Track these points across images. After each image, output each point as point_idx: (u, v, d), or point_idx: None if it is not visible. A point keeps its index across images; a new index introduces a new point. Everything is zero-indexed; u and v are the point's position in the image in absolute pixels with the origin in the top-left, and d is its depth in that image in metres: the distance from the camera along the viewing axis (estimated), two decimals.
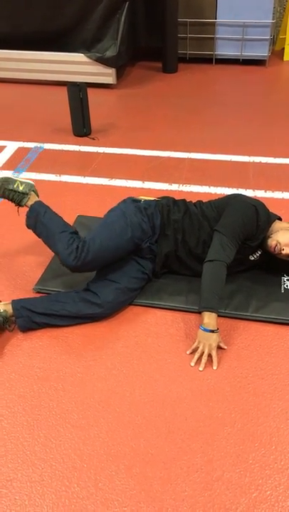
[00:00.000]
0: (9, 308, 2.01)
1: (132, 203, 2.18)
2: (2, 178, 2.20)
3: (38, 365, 1.90)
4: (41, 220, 2.13)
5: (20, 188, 2.17)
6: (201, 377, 1.85)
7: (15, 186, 2.18)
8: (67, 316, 2.03)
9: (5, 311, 2.00)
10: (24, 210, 2.23)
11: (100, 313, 2.05)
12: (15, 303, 2.02)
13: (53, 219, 2.15)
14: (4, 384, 1.84)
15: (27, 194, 2.19)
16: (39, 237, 2.17)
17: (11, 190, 2.18)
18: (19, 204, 2.21)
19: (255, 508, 1.45)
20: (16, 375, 1.87)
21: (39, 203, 2.19)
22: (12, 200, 2.20)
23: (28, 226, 2.19)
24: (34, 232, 2.19)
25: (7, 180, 2.19)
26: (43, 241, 2.16)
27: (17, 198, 2.19)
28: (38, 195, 2.25)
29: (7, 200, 2.23)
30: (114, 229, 2.06)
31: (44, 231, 2.13)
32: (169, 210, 2.16)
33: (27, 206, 2.20)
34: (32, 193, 2.21)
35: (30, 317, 2.01)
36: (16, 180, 2.20)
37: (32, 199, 2.20)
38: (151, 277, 2.21)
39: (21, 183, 2.20)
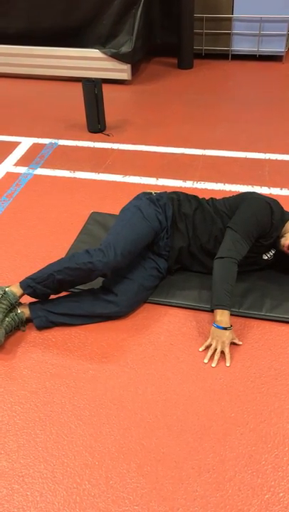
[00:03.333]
0: (26, 310, 2.02)
1: (143, 196, 2.19)
2: None
3: (50, 362, 1.91)
4: (43, 278, 1.96)
5: None
6: (214, 376, 1.83)
7: None
8: (84, 315, 2.03)
9: (22, 312, 2.00)
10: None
11: (116, 312, 2.04)
12: (32, 304, 2.04)
13: (53, 264, 1.98)
14: (17, 380, 1.84)
15: (5, 292, 1.96)
16: (57, 288, 2.00)
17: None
18: (16, 301, 1.98)
19: (268, 510, 1.44)
20: (29, 371, 1.88)
21: (23, 280, 1.99)
22: (10, 306, 1.96)
23: (40, 295, 2.00)
24: (53, 291, 2.01)
25: None
26: (61, 286, 2.00)
27: (7, 301, 1.94)
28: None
29: (9, 308, 1.97)
30: (134, 223, 2.05)
31: (56, 277, 1.94)
32: (180, 204, 2.16)
33: (20, 294, 1.98)
34: (4, 288, 1.98)
35: (46, 317, 2.01)
36: None
37: (13, 287, 1.99)
38: (165, 276, 2.21)
39: None
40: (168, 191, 2.27)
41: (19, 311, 2.00)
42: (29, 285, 1.98)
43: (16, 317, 1.97)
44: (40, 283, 1.97)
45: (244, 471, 1.54)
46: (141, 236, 2.05)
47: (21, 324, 2.02)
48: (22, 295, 2.00)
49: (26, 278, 2.00)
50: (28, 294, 2.00)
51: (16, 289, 1.99)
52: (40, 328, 2.03)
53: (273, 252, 2.16)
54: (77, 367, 1.89)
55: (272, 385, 1.79)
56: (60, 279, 1.96)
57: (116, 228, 2.07)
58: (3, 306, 1.93)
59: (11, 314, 1.97)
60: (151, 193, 2.21)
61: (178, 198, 2.19)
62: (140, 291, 2.08)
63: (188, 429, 1.66)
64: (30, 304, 2.03)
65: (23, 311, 2.01)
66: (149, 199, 2.16)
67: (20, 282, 2.00)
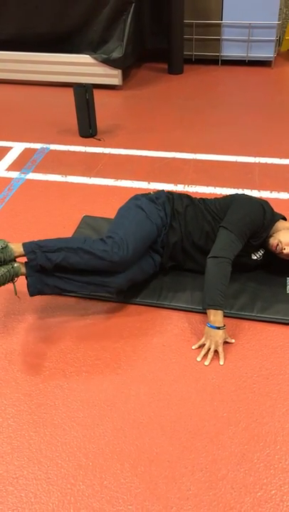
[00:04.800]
0: (22, 267, 1.97)
1: (142, 196, 2.21)
2: None
3: (43, 364, 1.92)
4: (51, 248, 1.92)
5: None
6: (206, 376, 1.85)
7: None
8: (78, 280, 1.97)
9: (18, 266, 1.96)
10: None
11: (112, 281, 1.98)
12: (27, 245, 1.97)
13: (62, 240, 1.97)
14: (10, 383, 1.85)
15: (7, 246, 1.93)
16: (56, 266, 1.94)
17: None
18: (10, 258, 1.94)
19: (260, 507, 1.46)
20: (22, 373, 1.89)
21: (27, 242, 1.96)
22: (2, 262, 1.93)
23: (41, 265, 1.93)
24: (48, 267, 1.93)
25: None
26: (61, 265, 1.94)
27: (3, 254, 1.92)
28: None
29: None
30: (140, 221, 2.06)
31: (63, 253, 1.91)
32: (173, 202, 2.20)
33: (18, 254, 1.95)
34: (6, 242, 1.95)
35: (40, 278, 1.95)
36: None
37: (15, 246, 1.95)
38: (159, 270, 2.23)
39: None
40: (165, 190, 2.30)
41: (15, 264, 1.95)
42: (33, 250, 1.92)
43: (11, 270, 1.93)
44: (45, 252, 1.92)
45: (236, 469, 1.56)
46: (147, 234, 2.07)
47: (16, 276, 1.95)
48: (19, 256, 1.95)
49: (32, 242, 1.95)
50: (28, 259, 1.94)
51: (17, 249, 1.94)
52: (33, 291, 1.97)
53: (262, 252, 2.19)
54: (70, 369, 1.90)
55: (263, 385, 1.82)
56: (69, 256, 1.91)
57: (123, 224, 2.06)
58: (3, 279, 1.91)
59: (6, 266, 1.92)
60: (149, 193, 2.24)
61: (172, 196, 2.23)
62: (138, 269, 2.08)
63: (181, 429, 1.67)
64: (26, 263, 1.98)
65: (19, 266, 1.96)
66: (148, 198, 2.19)
67: (23, 244, 1.95)
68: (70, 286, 2.00)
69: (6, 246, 1.93)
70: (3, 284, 1.94)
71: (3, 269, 1.91)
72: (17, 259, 1.99)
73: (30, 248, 1.94)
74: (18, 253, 1.96)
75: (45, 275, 1.97)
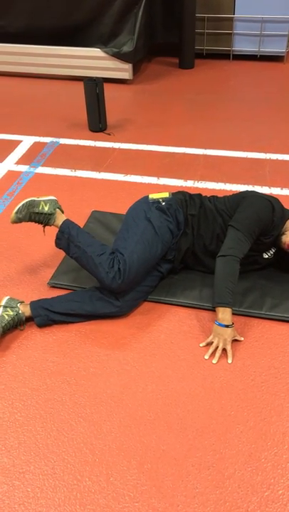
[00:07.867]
0: (27, 310, 2.04)
1: (152, 205, 2.14)
2: (26, 202, 2.11)
3: (51, 359, 1.92)
4: (74, 242, 2.06)
5: (46, 209, 2.10)
6: (214, 374, 1.84)
7: (40, 208, 2.10)
8: (85, 315, 2.05)
9: (22, 312, 2.03)
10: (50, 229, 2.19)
11: (116, 312, 2.05)
12: (33, 303, 2.05)
13: (86, 240, 2.07)
14: (18, 377, 1.85)
15: (53, 214, 2.12)
16: (71, 257, 2.10)
17: (37, 213, 2.11)
18: (47, 224, 2.14)
19: (267, 507, 1.45)
20: (30, 368, 1.89)
21: (67, 223, 2.12)
22: (39, 222, 2.14)
23: (59, 247, 2.12)
24: (66, 252, 2.11)
25: (31, 204, 2.11)
26: (75, 260, 2.10)
27: (44, 219, 2.12)
28: (62, 211, 2.18)
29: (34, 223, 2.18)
30: (147, 240, 2.04)
31: (78, 253, 2.05)
32: (187, 206, 2.16)
33: (55, 226, 2.13)
34: (57, 210, 2.15)
35: (48, 316, 2.04)
36: (39, 202, 2.12)
37: (59, 218, 2.13)
38: (166, 275, 2.21)
39: (45, 202, 2.13)
40: (174, 192, 2.23)
41: (20, 312, 2.02)
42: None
43: (16, 317, 2.00)
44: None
45: (244, 468, 1.55)
46: (153, 256, 2.05)
47: (19, 324, 2.04)
48: (30, 317, 2.06)
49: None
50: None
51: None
52: (41, 326, 2.05)
53: (274, 250, 2.17)
54: (77, 364, 1.89)
55: (272, 384, 1.80)
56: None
57: (130, 243, 2.03)
58: (8, 326, 1.99)
59: (11, 314, 1.99)
60: (159, 202, 2.15)
61: (184, 198, 2.18)
62: (140, 291, 2.08)
63: (188, 427, 1.67)
64: (32, 303, 2.05)
65: (24, 312, 2.03)
66: (158, 208, 2.12)
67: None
68: (76, 319, 2.09)
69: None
70: (8, 329, 2.02)
71: (7, 317, 1.99)
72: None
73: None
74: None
75: (50, 314, 2.05)
